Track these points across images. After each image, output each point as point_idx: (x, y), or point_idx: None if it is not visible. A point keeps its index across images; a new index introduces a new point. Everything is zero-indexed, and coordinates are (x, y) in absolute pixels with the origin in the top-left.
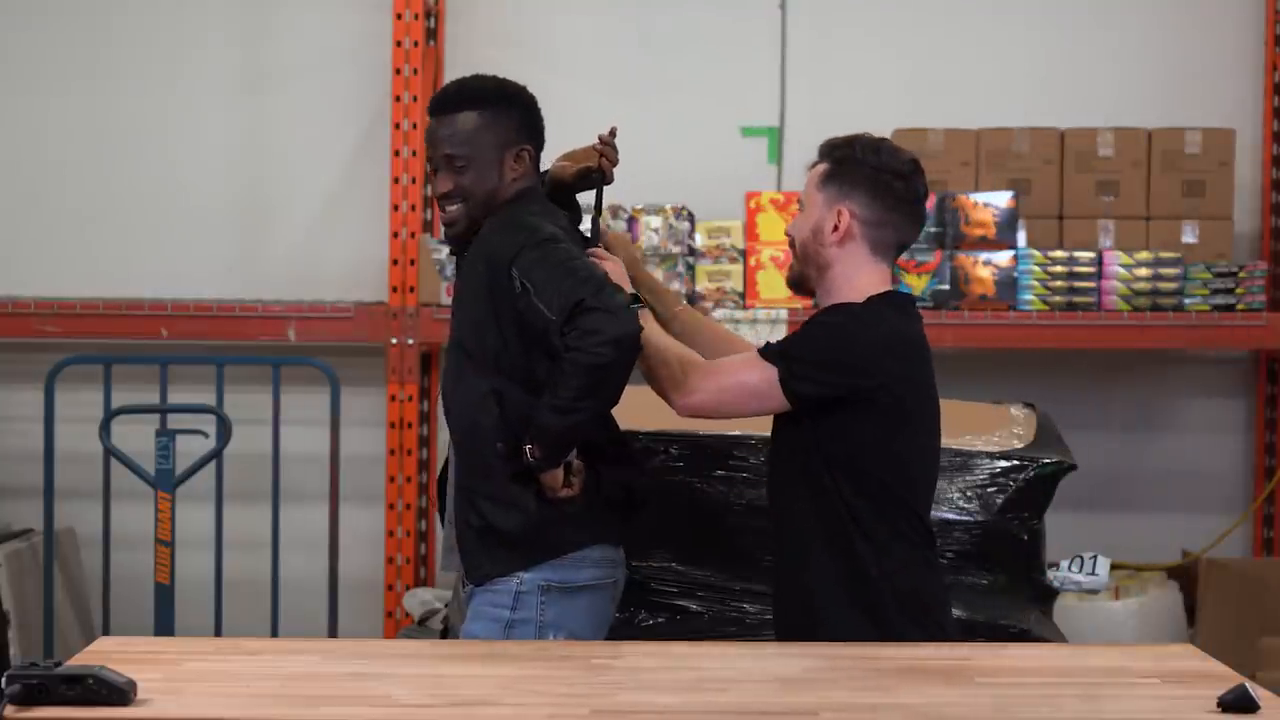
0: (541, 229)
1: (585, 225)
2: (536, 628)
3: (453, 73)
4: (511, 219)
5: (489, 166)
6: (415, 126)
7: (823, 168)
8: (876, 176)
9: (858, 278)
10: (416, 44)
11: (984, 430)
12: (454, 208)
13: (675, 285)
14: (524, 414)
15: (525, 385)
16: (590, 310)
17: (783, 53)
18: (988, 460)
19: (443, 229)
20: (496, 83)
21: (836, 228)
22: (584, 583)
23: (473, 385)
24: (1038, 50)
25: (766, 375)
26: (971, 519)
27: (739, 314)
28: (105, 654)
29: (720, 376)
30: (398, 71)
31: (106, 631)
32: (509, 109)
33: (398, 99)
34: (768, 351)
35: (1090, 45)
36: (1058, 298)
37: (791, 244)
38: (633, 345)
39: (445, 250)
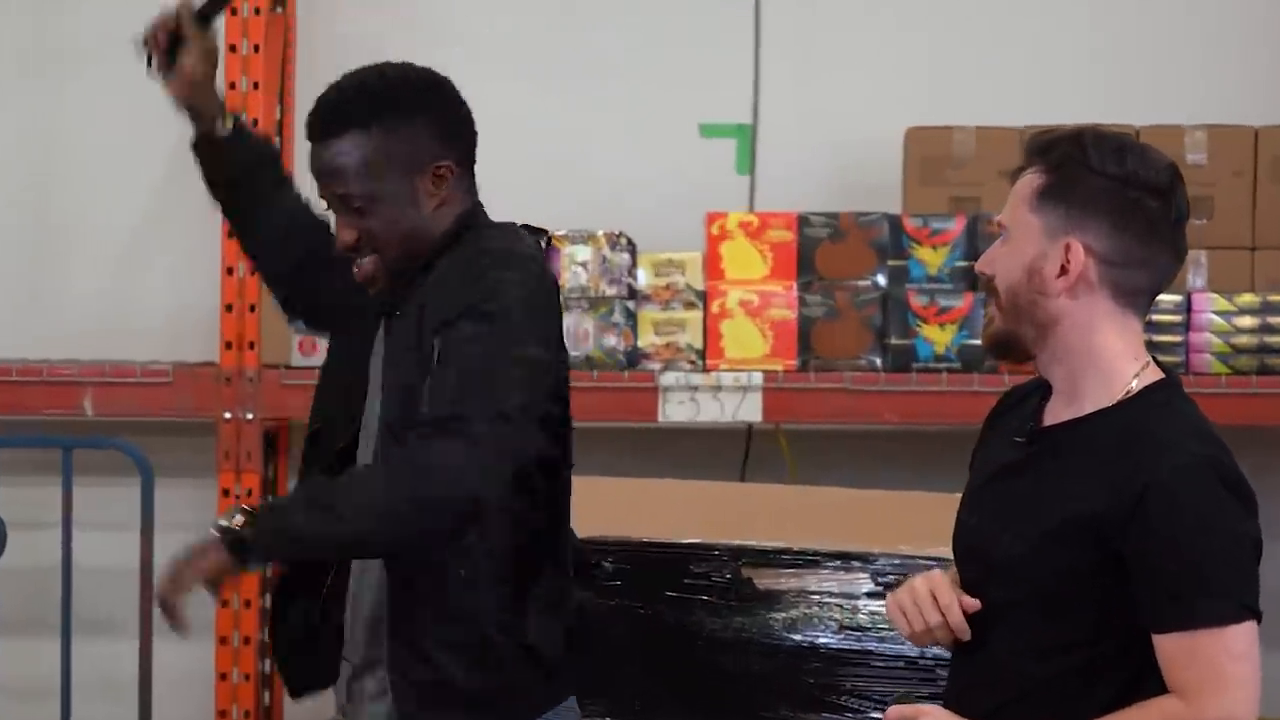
0: (502, 293)
1: None
2: None
3: (308, 51)
4: (473, 262)
5: (399, 201)
6: (257, 124)
7: (1037, 178)
8: (1123, 194)
9: (1097, 338)
10: (259, 11)
11: None
12: (366, 263)
13: (610, 340)
14: (497, 531)
15: None
16: (458, 434)
17: (756, 26)
18: None
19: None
20: (384, 83)
21: (1065, 269)
22: None
23: None
24: (1099, 23)
25: (1247, 633)
26: None
27: (697, 378)
28: None
29: (1233, 687)
30: (232, 49)
31: None
32: (409, 117)
33: (232, 87)
34: (1215, 609)
35: (1170, 21)
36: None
37: (988, 287)
38: (465, 514)
39: None
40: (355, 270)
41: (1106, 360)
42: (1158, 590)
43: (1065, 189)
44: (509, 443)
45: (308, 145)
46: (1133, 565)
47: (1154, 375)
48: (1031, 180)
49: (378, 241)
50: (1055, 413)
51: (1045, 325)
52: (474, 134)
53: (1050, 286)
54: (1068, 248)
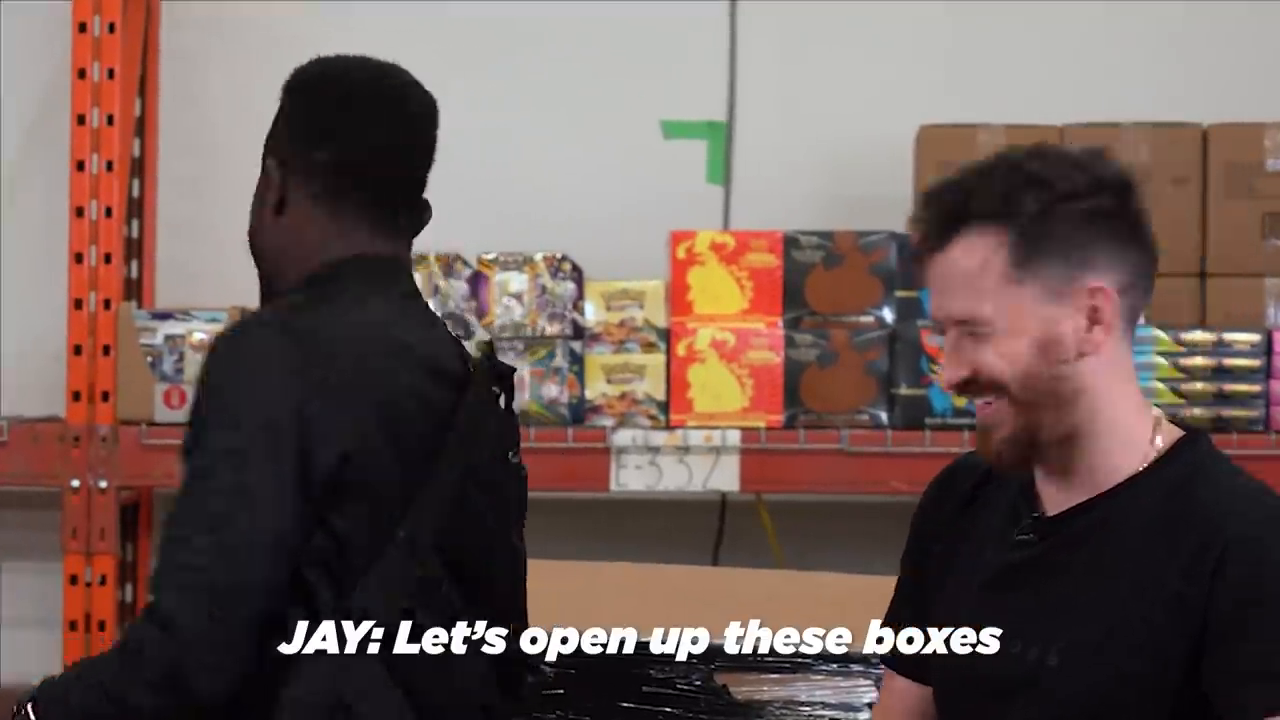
0: (251, 384)
1: None
2: None
3: (176, 30)
4: (263, 320)
5: (262, 184)
6: (111, 121)
7: (993, 242)
8: (1107, 204)
9: (1116, 393)
10: None
11: None
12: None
13: (551, 390)
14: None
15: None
16: (146, 624)
17: (732, 7)
18: None
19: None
20: (320, 63)
21: (1097, 319)
22: None
23: None
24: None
25: None
26: None
27: (659, 438)
28: None
29: None
30: (82, 29)
31: None
32: (292, 90)
33: (81, 75)
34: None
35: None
36: (1198, 409)
37: (979, 391)
38: (181, 690)
39: (166, 331)
40: None
41: (1126, 419)
42: (1248, 669)
43: (1046, 237)
44: (213, 608)
45: (175, 145)
46: (1213, 643)
47: (1172, 431)
48: (983, 248)
49: (253, 229)
50: (1059, 495)
51: (1070, 401)
52: (383, 149)
53: (1082, 346)
54: (1095, 292)
